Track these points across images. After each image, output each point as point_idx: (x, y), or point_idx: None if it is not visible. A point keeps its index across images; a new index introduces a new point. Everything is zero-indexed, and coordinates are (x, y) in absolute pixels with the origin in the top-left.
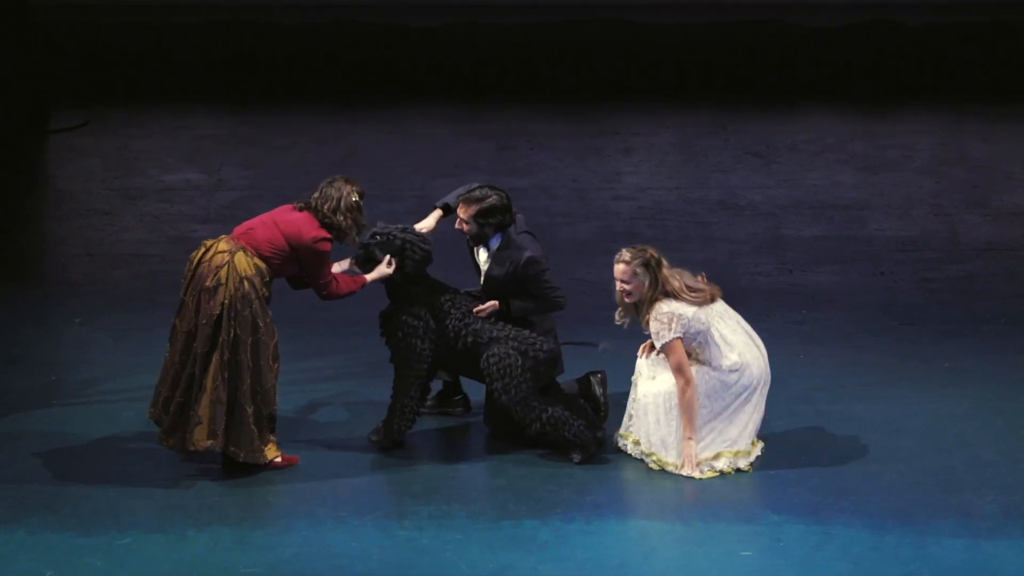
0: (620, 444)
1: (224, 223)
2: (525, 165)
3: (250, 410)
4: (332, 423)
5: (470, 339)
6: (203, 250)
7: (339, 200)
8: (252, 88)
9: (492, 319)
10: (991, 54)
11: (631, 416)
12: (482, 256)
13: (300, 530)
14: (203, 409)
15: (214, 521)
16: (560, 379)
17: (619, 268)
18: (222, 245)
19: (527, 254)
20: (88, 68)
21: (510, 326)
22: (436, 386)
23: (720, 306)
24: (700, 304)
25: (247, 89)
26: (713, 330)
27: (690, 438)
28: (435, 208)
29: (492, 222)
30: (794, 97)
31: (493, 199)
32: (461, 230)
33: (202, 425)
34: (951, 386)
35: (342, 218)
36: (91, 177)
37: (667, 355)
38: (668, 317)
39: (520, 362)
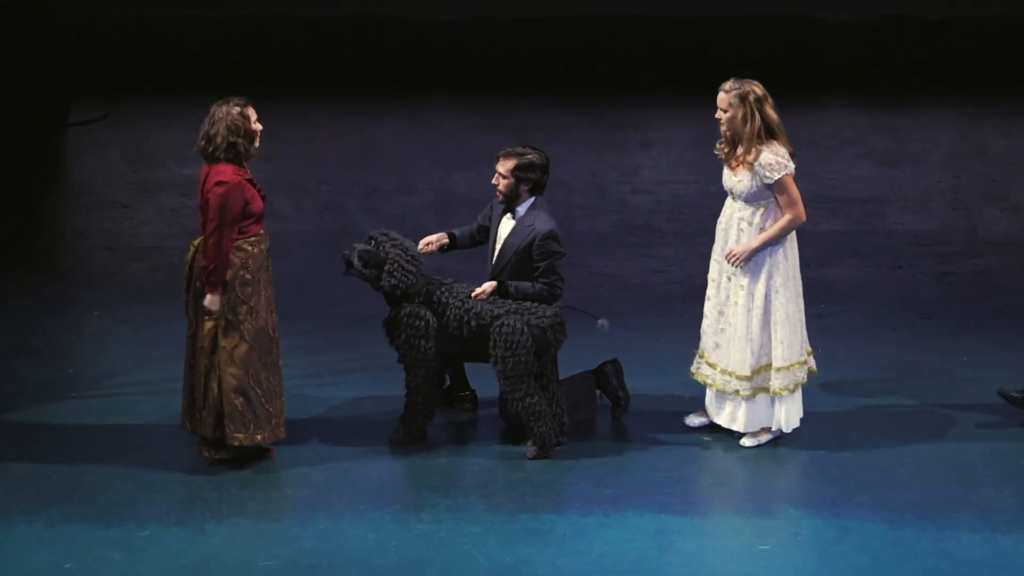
0: (707, 373)
1: None
2: None
3: (258, 391)
4: (349, 416)
5: (474, 323)
6: (192, 251)
7: (213, 125)
8: (271, 81)
9: (490, 299)
10: (1011, 48)
11: (717, 345)
12: (504, 230)
13: (318, 523)
14: (224, 405)
15: (233, 514)
16: (573, 371)
17: (719, 96)
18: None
19: (550, 227)
20: (107, 61)
21: (510, 302)
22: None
23: None
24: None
25: (266, 82)
26: None
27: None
28: (446, 232)
29: (530, 177)
30: (813, 91)
31: (533, 156)
32: (496, 186)
33: (224, 420)
34: (969, 380)
35: (221, 140)
36: (110, 170)
37: (781, 191)
38: (783, 155)
39: (528, 341)
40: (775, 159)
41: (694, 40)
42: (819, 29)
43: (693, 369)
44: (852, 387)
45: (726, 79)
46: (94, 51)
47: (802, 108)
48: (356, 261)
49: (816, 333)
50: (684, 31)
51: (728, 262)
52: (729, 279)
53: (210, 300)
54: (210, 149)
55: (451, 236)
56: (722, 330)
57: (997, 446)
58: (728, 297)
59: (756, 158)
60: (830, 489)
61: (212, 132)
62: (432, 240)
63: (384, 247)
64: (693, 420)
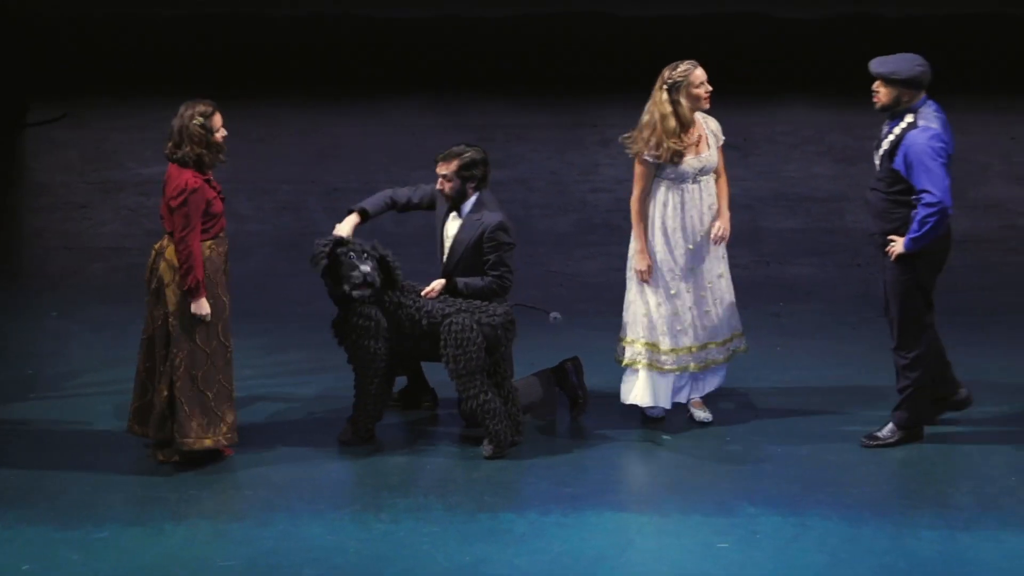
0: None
1: None
2: (503, 157)
3: (209, 395)
4: (309, 416)
5: (425, 321)
6: (153, 254)
7: (180, 131)
8: (231, 80)
9: (441, 297)
10: (969, 47)
11: (704, 327)
12: (451, 229)
13: (278, 523)
14: (176, 408)
15: (192, 514)
16: (533, 370)
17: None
18: (164, 242)
19: (499, 219)
20: (66, 61)
21: (460, 300)
22: (401, 382)
23: None
24: None
25: (226, 81)
26: None
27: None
28: (351, 211)
29: (475, 174)
30: (772, 89)
31: (472, 152)
32: (441, 191)
33: (179, 424)
34: None
35: (188, 149)
36: (69, 170)
37: (720, 158)
38: None
39: (478, 338)
40: (720, 127)
41: (652, 38)
42: (778, 27)
43: (699, 365)
44: (810, 384)
45: None
46: (53, 50)
47: (761, 106)
48: (375, 280)
49: (775, 331)
50: (642, 29)
51: (717, 243)
52: (704, 260)
53: (195, 307)
54: (177, 155)
55: (363, 212)
56: (707, 312)
57: (954, 443)
58: (705, 277)
59: (709, 125)
60: (789, 487)
61: (179, 139)
62: (343, 230)
63: (389, 259)
64: (699, 415)
